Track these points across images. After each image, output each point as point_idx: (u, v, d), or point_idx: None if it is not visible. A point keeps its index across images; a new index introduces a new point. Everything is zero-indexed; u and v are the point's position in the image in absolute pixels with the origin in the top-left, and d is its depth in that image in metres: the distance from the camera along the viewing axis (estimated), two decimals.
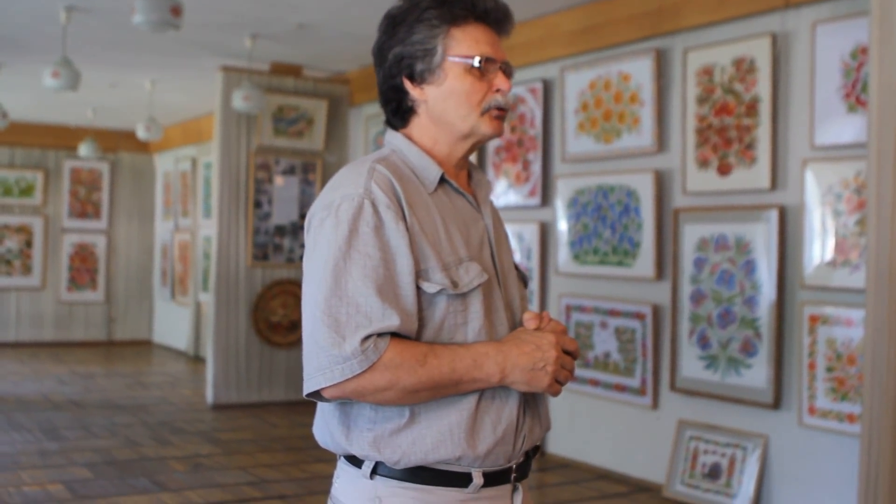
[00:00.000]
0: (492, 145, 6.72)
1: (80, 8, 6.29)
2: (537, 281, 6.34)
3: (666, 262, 5.48)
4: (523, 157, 6.45)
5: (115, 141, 12.52)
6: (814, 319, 4.66)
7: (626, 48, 5.74)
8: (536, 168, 6.35)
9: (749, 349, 4.95)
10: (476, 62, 1.78)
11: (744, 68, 5.00)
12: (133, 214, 12.90)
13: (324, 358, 1.62)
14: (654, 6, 5.52)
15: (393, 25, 1.82)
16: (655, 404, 5.53)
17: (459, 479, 1.71)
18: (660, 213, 5.49)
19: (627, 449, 5.74)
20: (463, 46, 1.79)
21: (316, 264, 1.68)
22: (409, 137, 1.84)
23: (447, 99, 1.79)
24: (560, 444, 6.19)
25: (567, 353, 1.77)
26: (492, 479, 1.74)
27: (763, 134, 4.90)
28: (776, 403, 4.82)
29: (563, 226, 6.12)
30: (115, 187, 12.77)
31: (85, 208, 12.54)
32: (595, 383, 5.89)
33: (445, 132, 1.82)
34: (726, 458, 5.05)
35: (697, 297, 5.23)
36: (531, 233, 6.39)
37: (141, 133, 9.50)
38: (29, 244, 12.22)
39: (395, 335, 1.65)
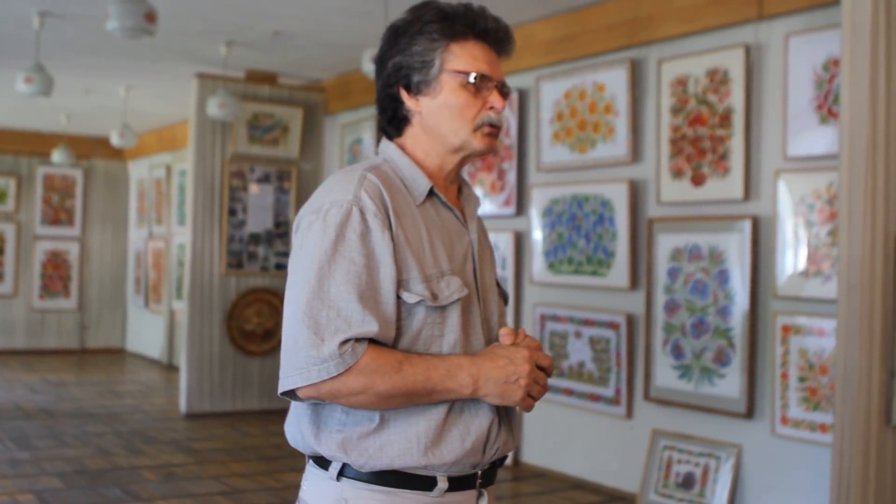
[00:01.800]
0: None
1: (54, 13, 6.24)
2: (512, 290, 6.33)
3: (640, 272, 5.49)
4: (498, 167, 6.46)
5: (89, 147, 12.43)
6: (786, 329, 4.68)
7: (601, 58, 5.77)
8: (511, 177, 6.36)
9: (722, 359, 4.97)
10: (471, 78, 1.81)
11: (717, 79, 5.03)
12: (107, 221, 12.80)
13: (301, 358, 1.65)
14: (628, 17, 5.55)
15: (395, 36, 1.85)
16: (629, 414, 5.54)
17: (424, 483, 1.74)
18: (634, 222, 5.51)
19: (601, 458, 5.74)
20: (460, 62, 1.82)
21: (301, 266, 1.71)
22: (402, 148, 1.88)
23: (441, 111, 1.83)
24: (534, 453, 6.19)
25: (541, 368, 1.79)
26: (457, 483, 1.77)
27: (736, 144, 4.93)
28: (749, 413, 4.84)
29: (537, 235, 6.13)
30: (89, 194, 12.68)
31: (58, 215, 12.44)
32: (569, 393, 5.89)
33: (437, 144, 1.86)
34: (700, 468, 5.07)
35: (671, 307, 5.25)
36: (506, 242, 6.39)
37: (115, 140, 9.45)
38: (1, 251, 12.11)
39: (372, 341, 1.68)
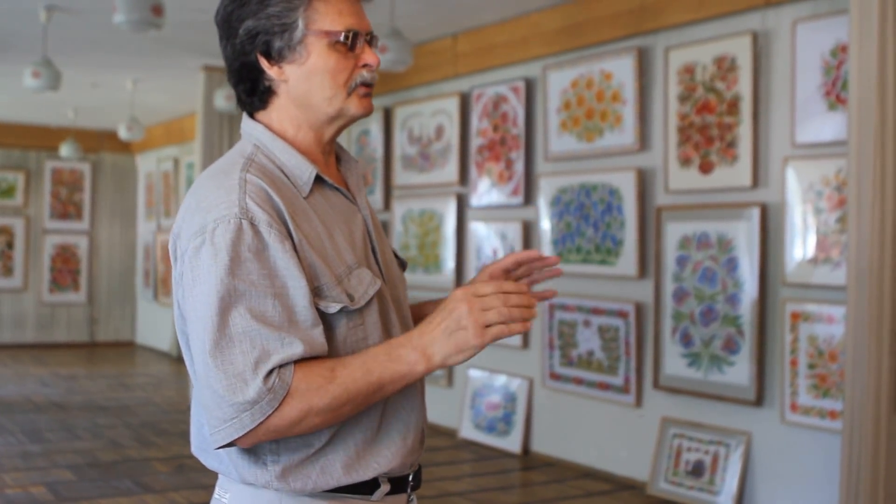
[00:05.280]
0: (474, 144, 6.72)
1: (61, 7, 6.25)
2: None
3: (648, 261, 5.49)
4: (506, 156, 6.46)
5: (97, 141, 12.47)
6: (795, 316, 4.68)
7: (608, 47, 5.76)
8: (519, 167, 6.35)
9: (731, 346, 4.97)
10: (342, 37, 1.59)
11: (725, 67, 5.02)
12: (115, 215, 12.84)
13: (227, 408, 1.44)
14: (635, 5, 5.54)
15: None
16: (639, 402, 5.55)
17: (366, 487, 1.60)
18: (642, 211, 5.51)
19: (611, 447, 5.75)
20: (326, 20, 1.59)
21: (200, 301, 1.48)
22: (270, 126, 1.65)
23: (311, 79, 1.60)
24: (544, 442, 6.20)
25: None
26: (395, 485, 1.64)
27: (744, 132, 4.92)
28: (759, 400, 4.84)
29: (545, 224, 6.13)
30: (97, 188, 12.71)
31: (66, 209, 12.48)
32: (579, 381, 5.90)
33: (310, 115, 1.63)
34: (709, 456, 5.07)
35: (680, 295, 5.25)
36: (514, 231, 6.40)
37: (123, 133, 9.46)
38: (10, 245, 12.15)
39: (297, 362, 1.47)
